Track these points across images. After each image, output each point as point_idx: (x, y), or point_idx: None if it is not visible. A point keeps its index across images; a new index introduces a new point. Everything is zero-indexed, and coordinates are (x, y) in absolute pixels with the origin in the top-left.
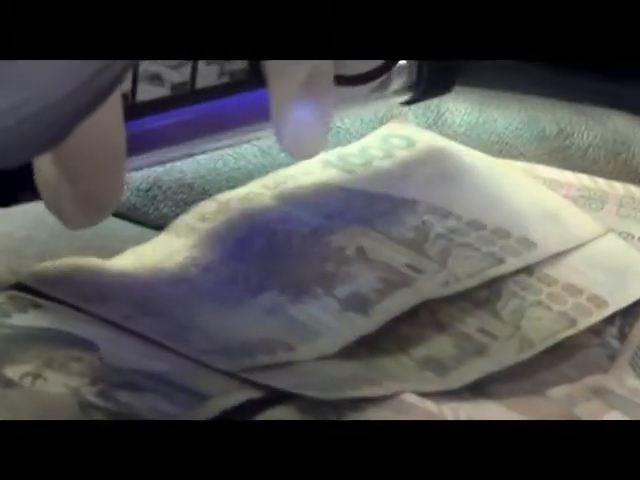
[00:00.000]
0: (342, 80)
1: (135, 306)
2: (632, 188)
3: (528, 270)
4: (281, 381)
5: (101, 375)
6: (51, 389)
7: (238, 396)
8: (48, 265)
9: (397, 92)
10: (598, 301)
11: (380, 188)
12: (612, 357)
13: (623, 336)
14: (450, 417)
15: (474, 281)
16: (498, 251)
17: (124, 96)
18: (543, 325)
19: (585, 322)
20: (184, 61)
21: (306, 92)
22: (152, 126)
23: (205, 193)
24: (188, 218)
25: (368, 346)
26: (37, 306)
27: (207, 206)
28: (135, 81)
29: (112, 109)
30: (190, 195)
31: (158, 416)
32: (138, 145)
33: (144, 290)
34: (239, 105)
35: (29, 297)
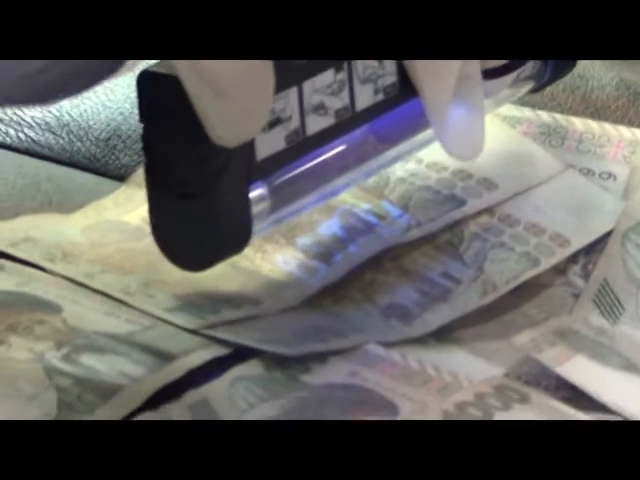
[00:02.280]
0: (489, 73)
1: (97, 263)
2: (591, 123)
3: (490, 211)
4: (246, 337)
5: (65, 338)
6: (16, 355)
7: (203, 354)
8: (7, 224)
9: (526, 80)
10: (561, 240)
11: None
12: (576, 296)
13: (587, 274)
14: (415, 366)
15: (436, 225)
16: (459, 193)
17: (295, 132)
18: (506, 266)
19: (548, 262)
20: (342, 85)
21: (459, 92)
22: (324, 157)
23: None
24: None
25: (332, 296)
26: None
27: None
28: (302, 115)
29: None
30: None
31: (123, 379)
32: (314, 180)
33: (106, 246)
34: (396, 120)
35: None
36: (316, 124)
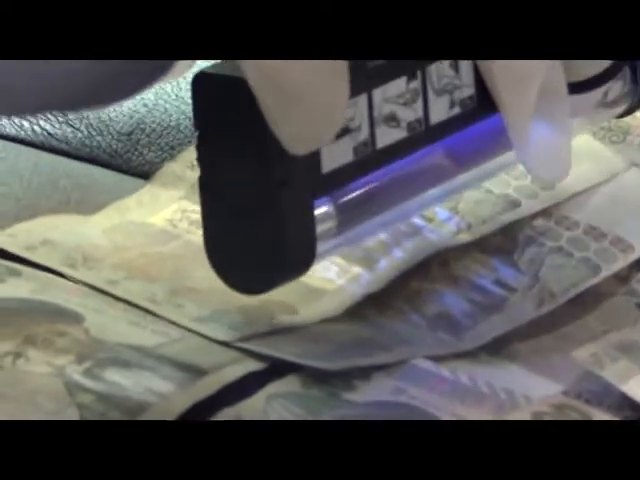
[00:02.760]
0: (575, 87)
1: (121, 269)
2: None
3: (546, 213)
4: (282, 350)
5: (87, 351)
6: (34, 369)
7: (237, 369)
8: (23, 225)
9: (616, 101)
10: (623, 245)
11: None
12: None
13: None
14: (467, 382)
15: (488, 228)
16: (513, 193)
17: (364, 144)
18: (564, 274)
19: (610, 268)
20: (416, 96)
21: (543, 107)
22: (395, 175)
23: (193, 136)
24: (175, 166)
25: (376, 306)
26: (15, 274)
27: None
28: (372, 125)
29: None
30: (176, 139)
31: (151, 396)
32: (383, 200)
33: (130, 250)
34: (473, 138)
35: (5, 264)
36: (387, 137)
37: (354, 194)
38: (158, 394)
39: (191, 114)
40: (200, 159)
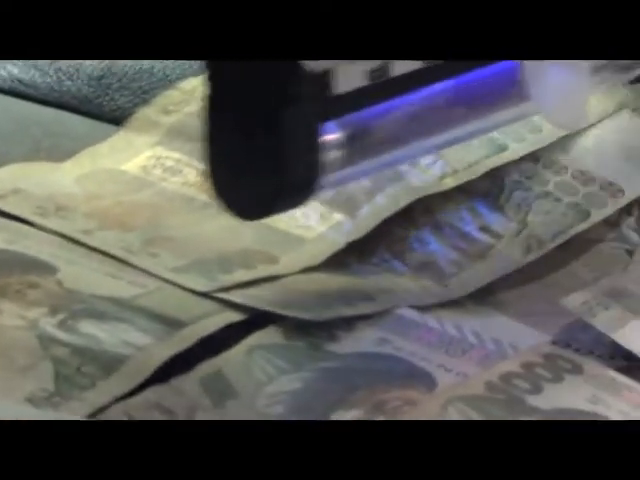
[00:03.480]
0: None
1: (95, 218)
2: None
3: (533, 156)
4: (263, 301)
5: (61, 303)
6: (6, 322)
7: (216, 320)
8: None
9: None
10: (613, 189)
11: None
12: (631, 252)
13: None
14: (454, 332)
15: (473, 172)
16: (498, 135)
17: (380, 69)
18: (552, 219)
19: (599, 214)
20: None
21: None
22: (408, 109)
23: (166, 80)
24: (149, 111)
25: (358, 254)
26: None
27: (170, 96)
28: None
29: None
30: (149, 82)
31: (128, 349)
32: (394, 136)
33: (103, 199)
34: (489, 81)
35: None
36: (402, 65)
37: (365, 125)
38: (135, 347)
39: None
40: (210, 77)
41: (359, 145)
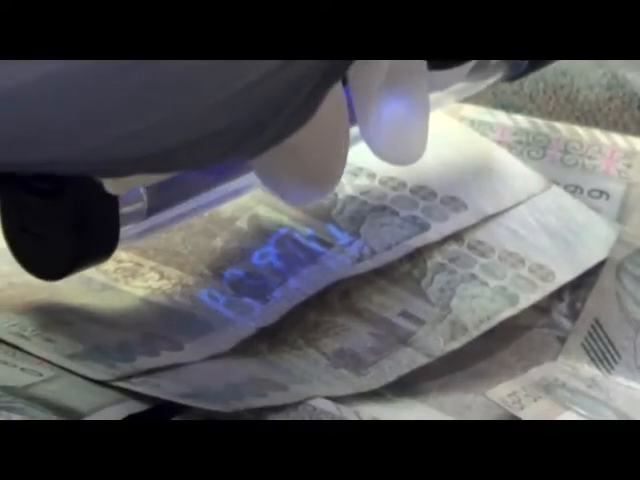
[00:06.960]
0: (435, 64)
1: None
2: (579, 130)
3: (457, 237)
4: (167, 390)
5: None
6: None
7: (117, 410)
8: None
9: (495, 67)
10: (543, 272)
11: None
12: (562, 340)
13: (574, 314)
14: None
15: (393, 254)
16: (421, 215)
17: None
18: (478, 304)
19: (529, 299)
20: None
21: (396, 82)
22: None
23: None
24: None
25: (270, 340)
26: None
27: None
28: None
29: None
30: None
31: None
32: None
33: None
34: None
35: None
36: None
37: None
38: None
39: None
40: None
41: (160, 195)
